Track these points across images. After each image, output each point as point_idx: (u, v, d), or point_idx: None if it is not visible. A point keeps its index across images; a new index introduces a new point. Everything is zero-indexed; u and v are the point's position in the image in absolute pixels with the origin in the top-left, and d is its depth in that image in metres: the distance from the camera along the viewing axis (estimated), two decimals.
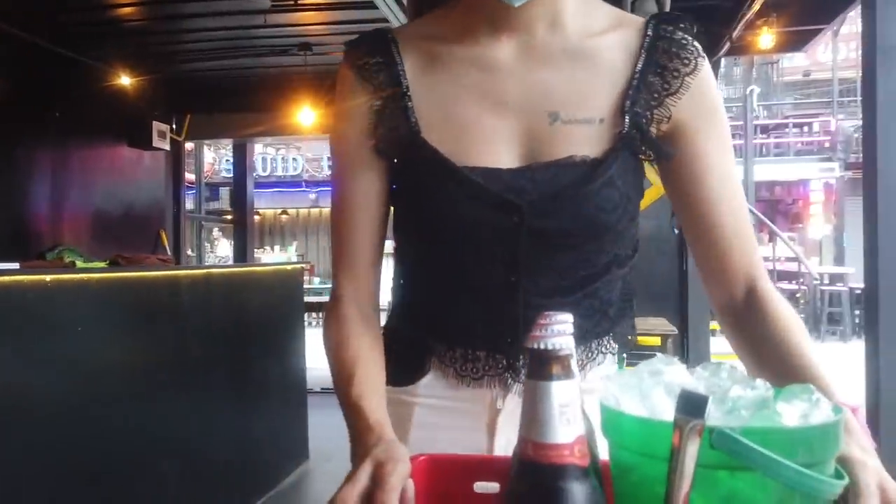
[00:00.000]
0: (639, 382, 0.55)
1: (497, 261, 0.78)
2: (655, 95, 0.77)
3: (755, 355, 0.75)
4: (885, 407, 2.42)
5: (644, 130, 0.77)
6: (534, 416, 0.48)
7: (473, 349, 0.82)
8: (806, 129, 15.04)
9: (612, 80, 0.78)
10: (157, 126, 6.32)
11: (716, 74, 5.45)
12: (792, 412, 0.50)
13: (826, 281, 10.42)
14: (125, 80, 5.68)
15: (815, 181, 13.89)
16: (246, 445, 3.32)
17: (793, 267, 10.59)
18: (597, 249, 0.80)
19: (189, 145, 11.10)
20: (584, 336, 0.82)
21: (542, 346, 0.47)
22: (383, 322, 0.88)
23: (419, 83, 0.80)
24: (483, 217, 0.76)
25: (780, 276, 10.71)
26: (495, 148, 0.77)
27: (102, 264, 3.62)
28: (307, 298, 5.33)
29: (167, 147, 6.54)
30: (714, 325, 6.99)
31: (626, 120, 0.76)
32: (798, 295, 9.29)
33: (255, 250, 10.34)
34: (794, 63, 16.05)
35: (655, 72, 0.78)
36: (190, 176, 11.63)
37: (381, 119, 0.80)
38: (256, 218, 14.51)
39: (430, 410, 0.86)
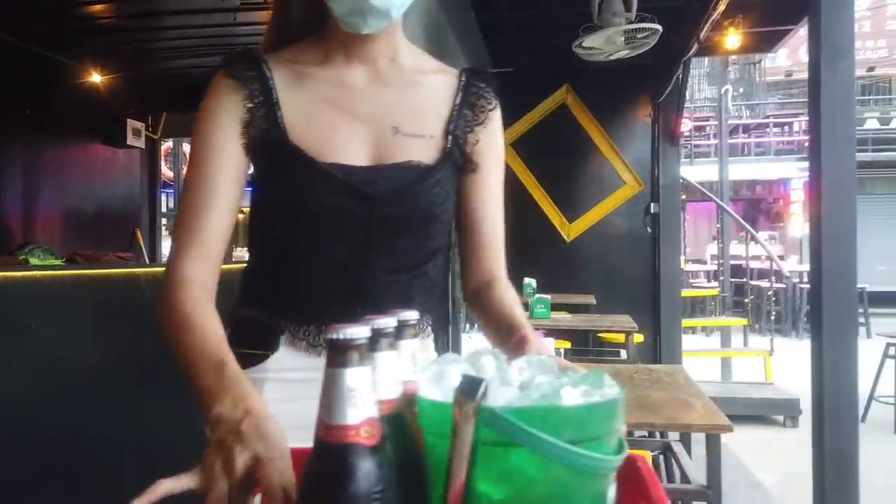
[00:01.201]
0: (442, 369, 0.58)
1: (351, 242, 0.94)
2: (469, 123, 1.01)
3: (488, 323, 0.98)
4: (828, 395, 2.47)
5: (461, 148, 1.00)
6: (326, 400, 0.52)
7: (327, 322, 0.85)
8: (787, 128, 15.17)
9: (439, 108, 1.00)
10: (131, 124, 6.30)
11: (687, 75, 5.50)
12: (573, 395, 0.53)
13: (805, 279, 10.52)
14: (97, 78, 5.66)
15: (795, 180, 14.01)
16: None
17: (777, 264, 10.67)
18: (427, 236, 0.99)
19: (170, 143, 11.09)
20: (420, 310, 0.89)
21: (335, 336, 0.52)
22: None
23: (286, 95, 0.95)
24: (341, 205, 0.92)
25: (759, 274, 10.80)
26: (349, 150, 0.94)
27: (58, 262, 3.61)
28: None
29: (142, 145, 6.52)
30: (687, 322, 7.06)
31: (450, 139, 0.99)
32: (770, 293, 9.33)
33: (237, 249, 10.29)
34: (777, 63, 16.18)
35: (469, 107, 1.02)
36: (171, 174, 11.59)
37: (253, 121, 0.93)
38: (240, 216, 14.47)
39: (282, 384, 0.94)
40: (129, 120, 6.24)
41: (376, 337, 0.57)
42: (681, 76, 5.30)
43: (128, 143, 6.24)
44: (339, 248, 0.94)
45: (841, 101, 2.52)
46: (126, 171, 6.59)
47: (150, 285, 3.08)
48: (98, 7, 4.94)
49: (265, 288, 0.99)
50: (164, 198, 9.25)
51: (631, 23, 3.67)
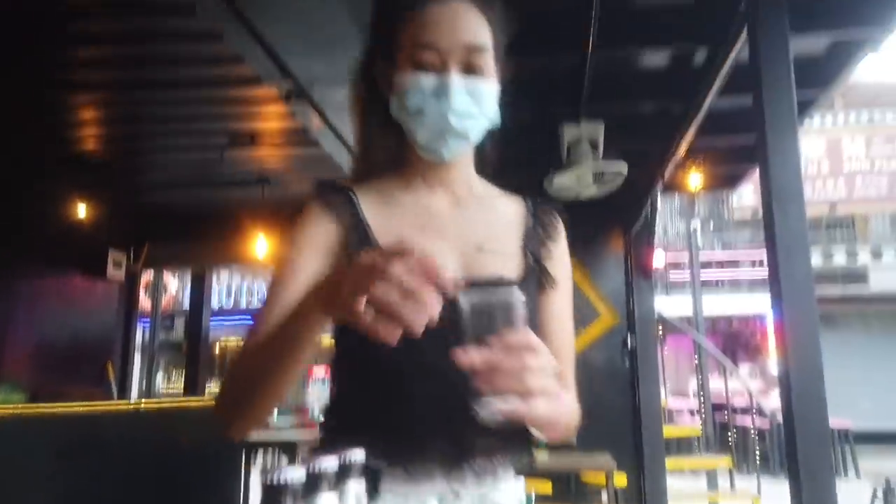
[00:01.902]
0: None
1: (448, 342, 0.91)
2: (542, 240, 1.08)
3: None
4: None
5: (540, 263, 1.05)
6: None
7: (429, 455, 0.92)
8: (758, 263, 15.60)
9: (514, 228, 1.07)
10: (113, 255, 6.35)
11: (655, 210, 5.73)
12: None
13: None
14: (81, 209, 5.77)
15: (768, 316, 14.20)
16: None
17: (758, 401, 10.53)
18: None
19: (149, 274, 11.10)
20: (507, 441, 0.96)
21: (270, 480, 0.53)
22: None
23: (373, 218, 1.00)
24: (437, 323, 0.91)
25: (743, 410, 10.62)
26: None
27: (22, 398, 3.49)
28: (253, 435, 5.13)
29: (122, 276, 6.54)
30: (671, 464, 6.83)
31: (529, 255, 1.05)
32: (753, 431, 9.10)
33: (212, 383, 10.04)
34: (744, 199, 16.92)
35: (540, 225, 1.09)
36: (149, 305, 11.50)
37: (348, 244, 0.97)
38: (217, 350, 14.23)
39: None
40: (110, 250, 6.29)
41: (315, 480, 0.55)
42: (650, 211, 5.51)
43: (108, 274, 6.26)
44: (436, 352, 0.91)
45: (795, 243, 2.61)
46: (103, 302, 6.56)
47: (114, 423, 2.97)
48: (92, 146, 5.13)
49: (353, 427, 0.95)
50: (139, 331, 9.12)
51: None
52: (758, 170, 4.93)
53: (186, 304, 13.19)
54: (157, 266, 7.82)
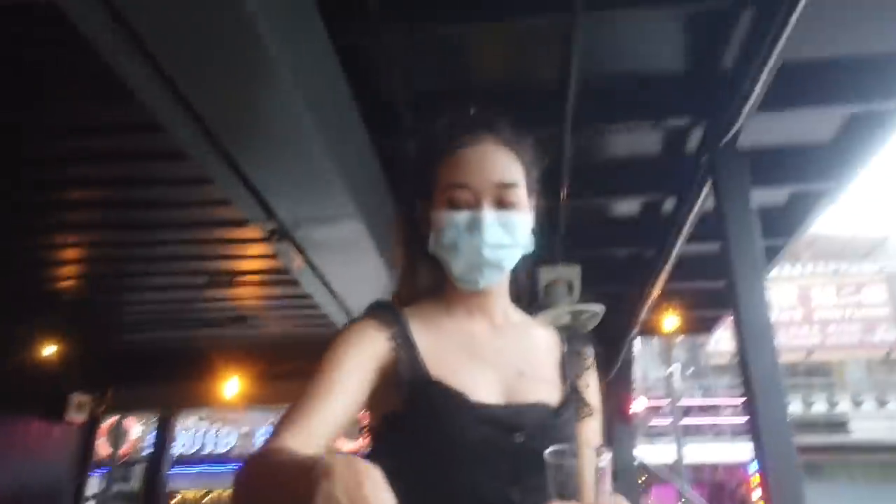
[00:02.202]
0: None
1: (500, 478, 0.93)
2: (578, 369, 1.11)
3: None
4: None
5: (578, 391, 1.08)
6: None
7: None
8: (739, 410, 15.41)
9: (551, 356, 1.11)
10: (77, 397, 6.10)
11: (632, 356, 5.73)
12: None
13: None
14: (50, 349, 5.61)
15: (752, 464, 13.84)
16: None
17: None
18: None
19: (112, 418, 10.61)
20: None
21: None
22: None
23: (421, 339, 1.02)
24: (491, 437, 0.94)
25: None
26: (486, 391, 0.99)
27: None
28: None
29: (82, 420, 6.24)
30: None
31: (568, 383, 1.08)
32: None
33: None
34: (721, 346, 17.02)
35: (575, 355, 1.12)
36: (108, 451, 10.89)
37: (399, 361, 0.98)
38: (177, 499, 13.35)
39: None
40: (75, 393, 6.05)
41: None
42: (627, 356, 5.51)
43: (67, 418, 5.97)
44: (488, 484, 0.93)
45: (769, 384, 2.62)
46: (58, 448, 6.21)
47: None
48: (69, 283, 5.09)
49: None
50: (93, 480, 8.57)
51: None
52: (727, 315, 5.02)
53: (148, 450, 12.54)
54: (121, 410, 7.51)
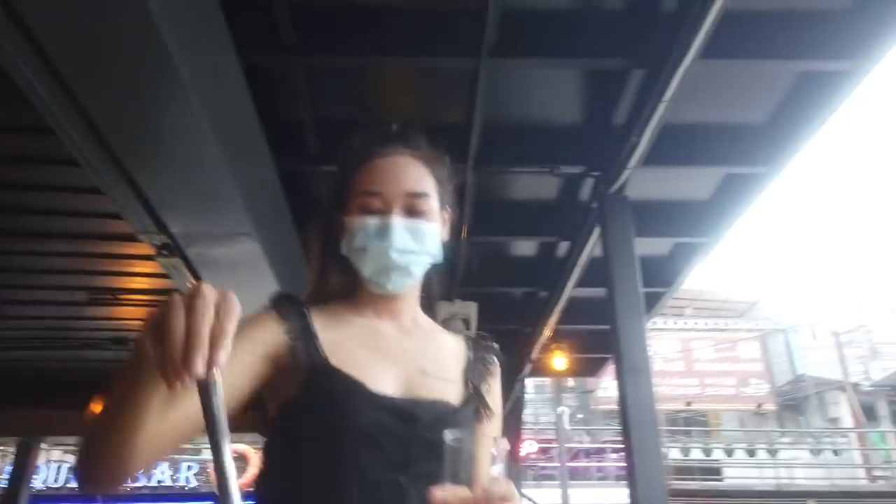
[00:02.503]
0: None
1: (390, 464, 0.95)
2: (482, 374, 1.14)
3: None
4: None
5: (480, 394, 1.11)
6: None
7: None
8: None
9: (456, 360, 1.13)
10: None
11: (523, 391, 5.87)
12: None
13: None
14: None
15: None
16: None
17: None
18: None
19: None
20: None
21: None
22: None
23: (323, 332, 1.04)
24: (386, 423, 0.96)
25: None
26: (386, 383, 1.01)
27: None
28: None
29: None
30: None
31: (470, 385, 1.10)
32: None
33: None
34: (609, 393, 17.66)
35: (480, 361, 1.15)
36: None
37: (295, 352, 1.00)
38: None
39: None
40: None
41: None
42: (520, 393, 5.64)
43: None
44: (378, 469, 0.95)
45: (644, 416, 2.78)
46: None
47: None
48: None
49: None
50: None
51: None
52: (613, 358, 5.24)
53: (2, 484, 11.43)
54: None
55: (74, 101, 2.10)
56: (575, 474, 13.03)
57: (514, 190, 3.91)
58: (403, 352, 1.08)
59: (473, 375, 1.12)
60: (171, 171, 2.51)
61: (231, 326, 0.70)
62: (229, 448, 0.68)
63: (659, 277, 4.57)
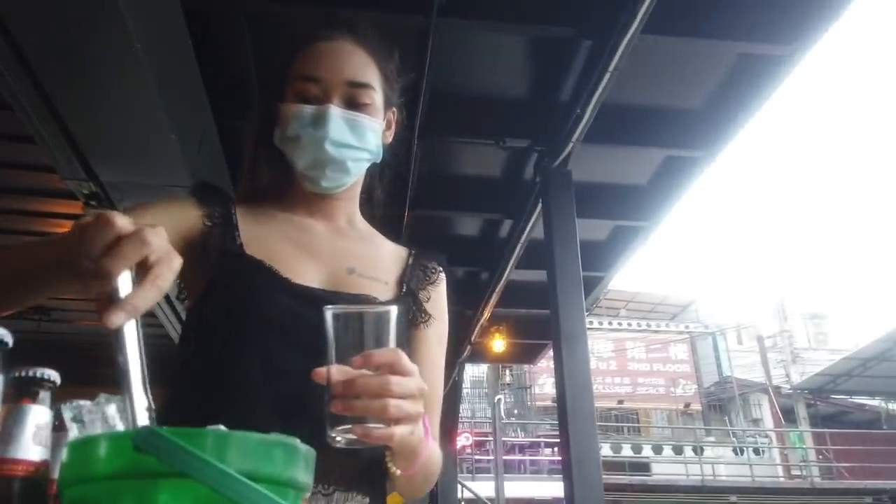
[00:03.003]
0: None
1: (301, 350, 0.86)
2: (421, 281, 1.07)
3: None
4: None
5: (415, 296, 1.05)
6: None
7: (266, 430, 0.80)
8: (556, 449, 16.25)
9: (392, 265, 1.06)
10: None
11: (462, 375, 5.87)
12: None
13: None
14: None
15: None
16: None
17: None
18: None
19: None
20: (360, 470, 0.90)
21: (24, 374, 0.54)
22: None
23: (245, 224, 0.99)
24: (297, 309, 0.91)
25: None
26: (306, 276, 0.96)
27: None
28: None
29: None
30: None
31: (404, 286, 1.04)
32: None
33: None
34: (545, 390, 17.94)
35: (420, 269, 1.09)
36: None
37: (211, 236, 0.95)
38: None
39: None
40: None
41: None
42: (459, 377, 5.65)
43: None
44: (287, 357, 0.88)
45: (580, 381, 2.81)
46: None
47: None
48: None
49: (194, 407, 0.88)
50: None
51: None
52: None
53: None
54: None
55: (8, 39, 1.99)
56: (509, 468, 13.16)
57: (459, 164, 3.90)
58: (333, 251, 1.01)
59: (412, 281, 1.06)
60: (105, 115, 2.40)
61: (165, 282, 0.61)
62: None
63: (598, 261, 4.65)
